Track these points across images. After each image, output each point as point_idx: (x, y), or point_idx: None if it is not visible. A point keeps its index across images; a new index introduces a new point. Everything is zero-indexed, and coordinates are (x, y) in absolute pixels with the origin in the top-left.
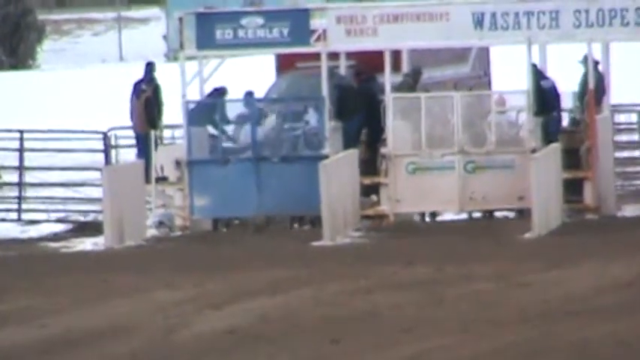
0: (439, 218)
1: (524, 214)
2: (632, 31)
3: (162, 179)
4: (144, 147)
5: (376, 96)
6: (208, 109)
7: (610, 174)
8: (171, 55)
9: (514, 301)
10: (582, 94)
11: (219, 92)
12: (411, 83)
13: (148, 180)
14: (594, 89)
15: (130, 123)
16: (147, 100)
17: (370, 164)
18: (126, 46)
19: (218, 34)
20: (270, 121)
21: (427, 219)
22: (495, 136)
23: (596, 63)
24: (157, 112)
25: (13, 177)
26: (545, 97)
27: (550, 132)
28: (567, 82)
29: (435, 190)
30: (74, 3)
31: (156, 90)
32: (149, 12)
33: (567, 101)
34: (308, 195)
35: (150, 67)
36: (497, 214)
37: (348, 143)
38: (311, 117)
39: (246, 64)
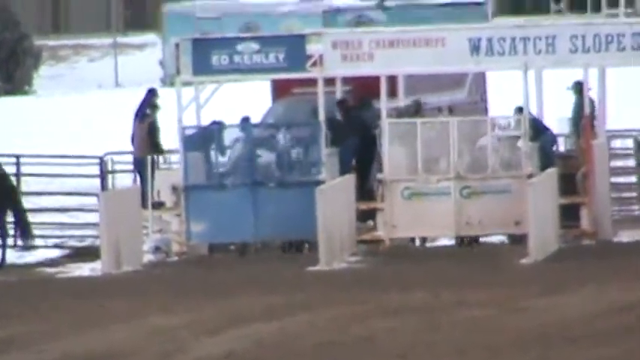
0: (430, 244)
1: (515, 239)
2: (629, 56)
3: (158, 204)
4: (142, 172)
5: (364, 123)
6: (206, 136)
7: (606, 199)
8: (168, 81)
9: (511, 327)
10: (577, 120)
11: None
12: (412, 114)
13: (145, 205)
14: (583, 116)
15: (128, 148)
16: (150, 124)
17: (361, 190)
18: (122, 72)
19: (214, 59)
20: (238, 147)
21: (417, 243)
22: (492, 162)
23: (587, 89)
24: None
25: None
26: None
27: (547, 154)
28: (563, 108)
29: (431, 216)
30: (71, 29)
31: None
32: (145, 38)
33: (564, 126)
34: (304, 220)
35: (152, 92)
36: (484, 239)
37: (341, 170)
38: (281, 142)
39: (242, 90)
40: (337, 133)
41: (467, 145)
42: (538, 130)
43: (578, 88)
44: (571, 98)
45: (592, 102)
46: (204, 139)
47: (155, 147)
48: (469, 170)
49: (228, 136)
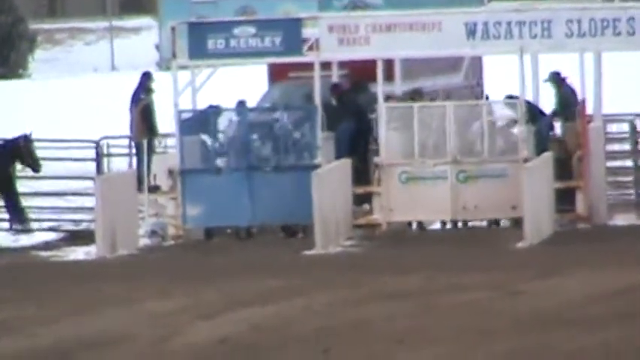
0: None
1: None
2: (624, 41)
3: (154, 188)
4: (138, 156)
5: (358, 107)
6: (202, 120)
7: (602, 183)
8: (164, 65)
9: (506, 310)
10: (560, 111)
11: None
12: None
13: (140, 189)
14: (566, 105)
15: (124, 131)
16: (144, 107)
17: (359, 173)
18: (118, 56)
19: (210, 43)
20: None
21: (414, 227)
22: (488, 146)
23: (563, 79)
24: (155, 120)
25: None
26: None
27: (543, 139)
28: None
29: (427, 200)
30: (66, 13)
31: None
32: (141, 21)
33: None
34: (300, 204)
35: (147, 76)
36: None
37: (337, 154)
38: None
39: (238, 74)
40: (331, 117)
41: (463, 129)
42: (534, 114)
43: (555, 79)
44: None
45: (573, 91)
46: (200, 122)
47: (150, 130)
48: (465, 154)
49: (224, 119)
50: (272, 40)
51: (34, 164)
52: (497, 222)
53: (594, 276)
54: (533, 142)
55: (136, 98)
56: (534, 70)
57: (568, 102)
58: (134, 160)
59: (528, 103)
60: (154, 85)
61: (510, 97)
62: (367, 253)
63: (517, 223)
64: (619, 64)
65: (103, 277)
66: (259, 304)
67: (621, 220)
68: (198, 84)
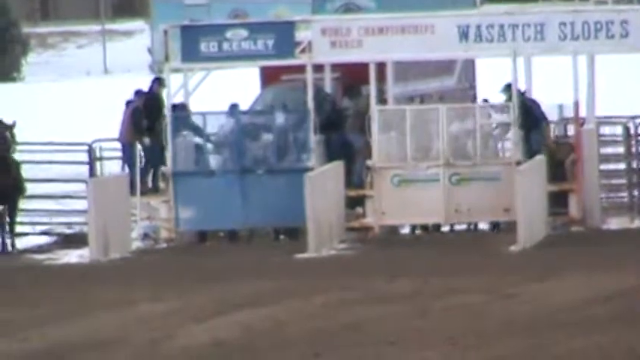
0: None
1: (495, 226)
2: (618, 44)
3: (155, 190)
4: (130, 158)
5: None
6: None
7: (595, 186)
8: (156, 68)
9: (500, 314)
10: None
11: (179, 109)
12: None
13: (133, 192)
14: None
15: (116, 135)
16: (135, 110)
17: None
18: (110, 59)
19: (203, 46)
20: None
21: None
22: (480, 149)
23: (522, 93)
24: (145, 122)
25: None
26: (528, 111)
27: (532, 145)
28: (552, 95)
29: (420, 203)
30: (59, 16)
31: (159, 102)
32: (133, 25)
33: (552, 114)
34: (293, 207)
35: (157, 82)
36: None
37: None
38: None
39: (231, 77)
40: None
41: (456, 131)
42: (534, 116)
43: (509, 90)
44: (563, 85)
45: (535, 102)
46: (192, 125)
47: (137, 132)
48: (457, 157)
49: (216, 122)
50: (265, 43)
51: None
52: (475, 226)
53: (588, 279)
54: (528, 146)
55: (148, 103)
56: (527, 72)
57: (528, 112)
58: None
59: (531, 104)
60: (161, 91)
61: (509, 85)
62: (360, 256)
63: (496, 227)
64: (612, 67)
65: (95, 280)
66: (252, 306)
67: (615, 223)
68: (190, 87)
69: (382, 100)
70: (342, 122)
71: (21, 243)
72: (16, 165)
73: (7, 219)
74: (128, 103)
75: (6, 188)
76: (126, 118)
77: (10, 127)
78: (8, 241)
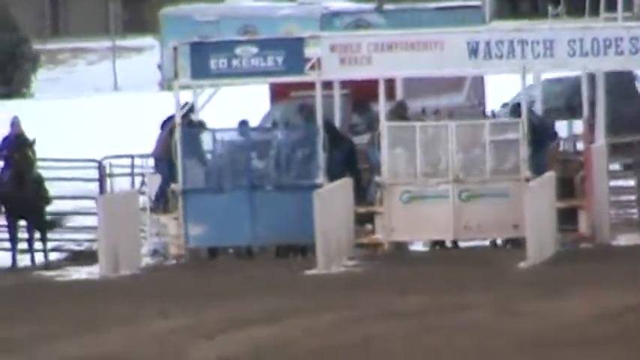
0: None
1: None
2: (627, 60)
3: (156, 208)
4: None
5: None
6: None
7: (604, 203)
8: (166, 85)
9: (508, 330)
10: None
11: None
12: (397, 117)
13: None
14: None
15: (128, 152)
16: (172, 129)
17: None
18: (120, 76)
19: (212, 63)
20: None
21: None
22: (490, 165)
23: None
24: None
25: None
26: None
27: (538, 163)
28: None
29: (429, 219)
30: (69, 32)
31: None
32: (143, 41)
33: (562, 131)
34: (302, 224)
35: (187, 106)
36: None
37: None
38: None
39: (240, 94)
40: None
41: (465, 148)
42: (547, 133)
43: (518, 110)
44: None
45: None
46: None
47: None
48: (467, 173)
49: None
50: (274, 60)
51: None
52: (494, 243)
53: (597, 296)
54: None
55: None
56: (536, 89)
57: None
58: (137, 179)
59: (543, 122)
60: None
61: (518, 105)
62: (369, 272)
63: (495, 245)
64: None
65: (105, 296)
66: (260, 323)
67: (624, 239)
68: (200, 104)
69: (403, 116)
70: (338, 140)
71: (28, 260)
72: (40, 180)
73: (38, 234)
74: (164, 124)
75: (24, 203)
76: (165, 135)
77: (31, 144)
78: (41, 254)
